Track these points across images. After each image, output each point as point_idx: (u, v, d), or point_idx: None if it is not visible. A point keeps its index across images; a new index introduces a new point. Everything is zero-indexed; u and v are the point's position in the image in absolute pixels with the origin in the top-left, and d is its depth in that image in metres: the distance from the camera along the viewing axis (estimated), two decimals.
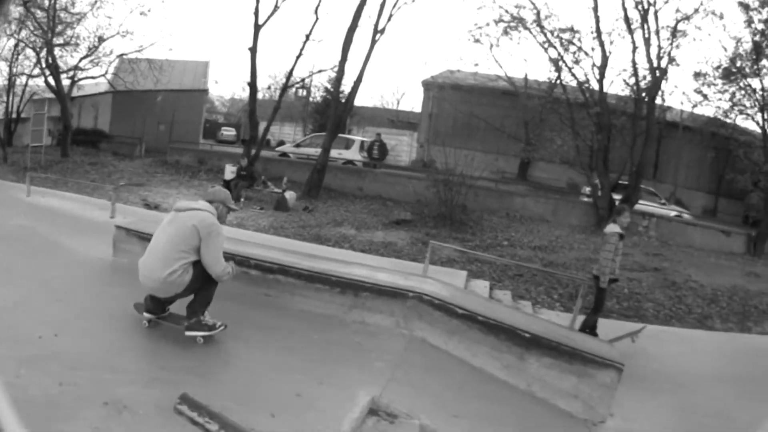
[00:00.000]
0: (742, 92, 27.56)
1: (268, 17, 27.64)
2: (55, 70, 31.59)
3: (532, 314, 12.09)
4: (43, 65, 31.73)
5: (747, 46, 26.42)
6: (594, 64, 26.12)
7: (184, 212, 6.87)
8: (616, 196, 24.90)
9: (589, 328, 11.26)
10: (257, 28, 27.20)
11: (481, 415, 6.83)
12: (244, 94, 49.12)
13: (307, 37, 28.21)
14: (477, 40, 29.88)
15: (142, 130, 37.60)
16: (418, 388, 6.79)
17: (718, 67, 27.99)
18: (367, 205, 24.34)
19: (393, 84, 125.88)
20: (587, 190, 27.06)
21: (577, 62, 26.70)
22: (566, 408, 7.58)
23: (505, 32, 28.73)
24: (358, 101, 33.54)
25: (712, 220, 29.32)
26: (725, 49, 27.89)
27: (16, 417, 2.79)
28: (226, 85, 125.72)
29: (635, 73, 25.26)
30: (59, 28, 31.41)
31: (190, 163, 30.23)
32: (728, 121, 29.01)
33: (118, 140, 35.96)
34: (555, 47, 27.00)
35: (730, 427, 8.54)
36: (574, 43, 26.58)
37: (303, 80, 36.11)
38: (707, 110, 29.58)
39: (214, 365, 6.48)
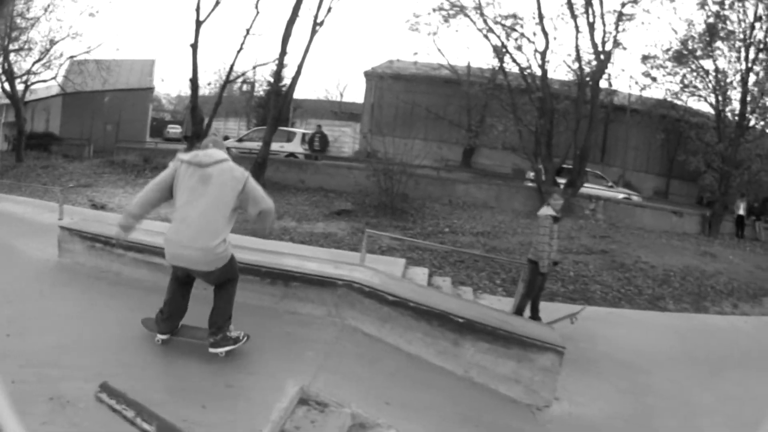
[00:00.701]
0: (694, 74, 27.82)
1: (209, 13, 27.22)
2: (10, 75, 31.54)
3: (467, 299, 12.27)
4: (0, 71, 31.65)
5: (700, 28, 26.94)
6: (536, 50, 25.89)
7: (213, 167, 6.19)
8: (561, 180, 25.07)
9: (528, 310, 11.36)
10: (198, 24, 26.84)
11: (415, 402, 6.78)
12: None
13: (248, 31, 27.95)
14: (415, 29, 29.78)
15: (90, 132, 36.97)
16: (349, 376, 6.75)
17: (668, 49, 28.19)
18: (309, 197, 23.96)
19: (336, 76, 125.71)
20: (531, 175, 26.74)
21: (519, 48, 26.51)
22: (508, 393, 7.58)
23: (445, 20, 28.41)
24: (302, 94, 33.76)
25: (664, 201, 29.31)
26: (675, 32, 28.50)
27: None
28: (173, 83, 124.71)
29: (578, 58, 25.36)
30: (15, 33, 31.38)
31: (135, 162, 29.57)
32: (679, 103, 29.30)
33: (69, 142, 35.34)
34: (496, 34, 26.66)
35: (687, 409, 8.61)
36: (516, 30, 26.31)
37: (244, 74, 35.67)
38: (657, 93, 29.88)
39: (149, 359, 6.34)
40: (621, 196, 27.25)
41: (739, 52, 25.83)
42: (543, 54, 25.32)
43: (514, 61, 26.54)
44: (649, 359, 10.44)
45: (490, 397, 7.49)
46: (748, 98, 25.80)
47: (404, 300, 7.98)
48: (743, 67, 25.70)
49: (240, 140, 32.23)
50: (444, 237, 18.98)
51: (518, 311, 11.21)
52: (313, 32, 25.66)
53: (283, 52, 26.33)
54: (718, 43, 26.34)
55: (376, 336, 7.95)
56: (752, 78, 25.96)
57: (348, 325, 7.99)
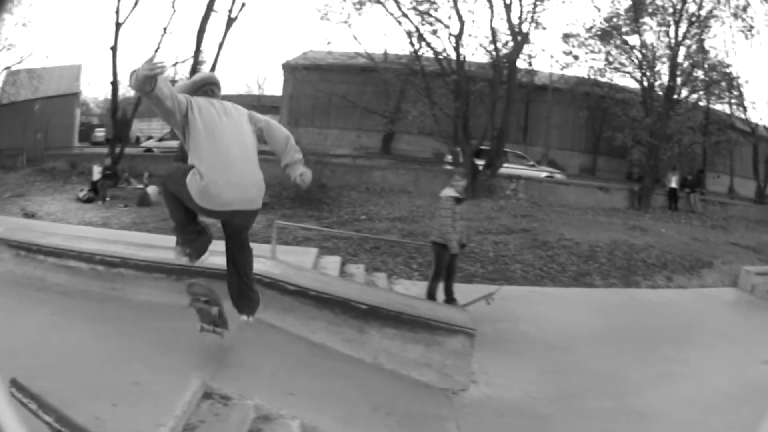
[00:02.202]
0: (619, 50, 27.85)
1: (128, 14, 27.05)
2: None
3: (373, 285, 12.66)
4: None
5: (625, 3, 26.89)
6: (451, 34, 25.65)
7: (224, 103, 6.22)
8: (480, 162, 24.85)
9: (442, 293, 11.43)
10: (118, 26, 26.86)
11: (321, 392, 6.88)
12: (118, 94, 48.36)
13: (165, 30, 27.59)
14: (326, 19, 29.44)
15: (23, 141, 35.59)
16: (251, 368, 6.91)
17: (591, 27, 28.11)
18: None
19: (257, 69, 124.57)
20: (449, 158, 26.86)
21: (434, 33, 26.25)
22: (420, 378, 7.79)
23: (357, 8, 28.13)
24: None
25: (591, 178, 29.56)
26: (599, 10, 27.97)
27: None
28: (100, 86, 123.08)
29: (494, 40, 25.37)
30: None
31: (63, 168, 29.46)
32: (603, 80, 29.21)
33: (6, 153, 34.18)
34: (410, 20, 26.40)
35: (620, 388, 8.71)
36: (431, 15, 26.04)
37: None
38: (580, 71, 29.90)
39: (63, 357, 6.30)
40: (543, 174, 27.10)
41: (668, 26, 25.99)
42: (458, 37, 25.24)
43: (428, 45, 26.38)
44: (575, 337, 10.49)
45: (402, 383, 7.64)
46: (678, 72, 25.79)
47: (305, 289, 8.29)
48: (673, 40, 25.93)
49: (161, 140, 32.42)
50: (360, 224, 19.14)
51: (429, 295, 11.26)
52: (228, 27, 25.86)
53: (198, 49, 26.50)
54: (646, 19, 26.55)
55: (280, 326, 8.11)
56: (683, 51, 26.00)
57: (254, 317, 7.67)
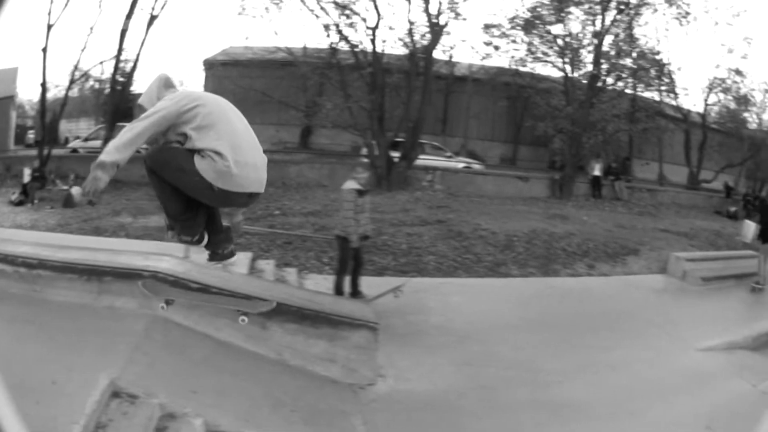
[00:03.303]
0: (542, 40, 28.03)
1: (59, 15, 26.25)
2: None
3: (275, 281, 12.56)
4: None
5: None
6: (368, 27, 25.62)
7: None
8: (396, 154, 24.95)
9: (349, 287, 11.78)
10: (49, 28, 26.12)
11: (224, 389, 7.00)
12: (50, 95, 47.82)
13: (91, 29, 27.21)
14: (243, 14, 29.27)
15: None
16: (157, 366, 6.96)
17: (514, 17, 28.17)
18: (148, 191, 22.93)
19: (180, 67, 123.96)
20: (365, 151, 26.39)
21: (350, 26, 26.21)
22: (326, 374, 7.98)
23: (275, 2, 28.20)
24: (146, 87, 33.76)
25: (511, 168, 29.78)
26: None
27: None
28: (35, 88, 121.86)
29: (411, 32, 25.40)
30: None
31: None
32: (525, 69, 29.33)
33: None
34: (328, 13, 26.39)
35: (537, 378, 8.83)
36: (348, 7, 26.13)
37: (86, 73, 33.60)
38: (501, 61, 29.78)
39: None
40: (461, 165, 27.22)
41: (595, 15, 26.32)
42: (374, 30, 25.31)
43: (345, 39, 26.43)
44: (489, 328, 10.61)
45: (307, 379, 7.82)
46: (603, 60, 26.21)
47: (207, 287, 8.24)
48: (599, 29, 26.23)
49: (86, 140, 32.06)
50: (274, 219, 18.84)
51: (337, 289, 11.65)
52: (149, 25, 25.80)
53: (120, 48, 26.71)
54: (571, 8, 26.80)
55: (186, 325, 8.17)
56: (608, 39, 26.37)
57: (158, 315, 8.03)
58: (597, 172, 25.45)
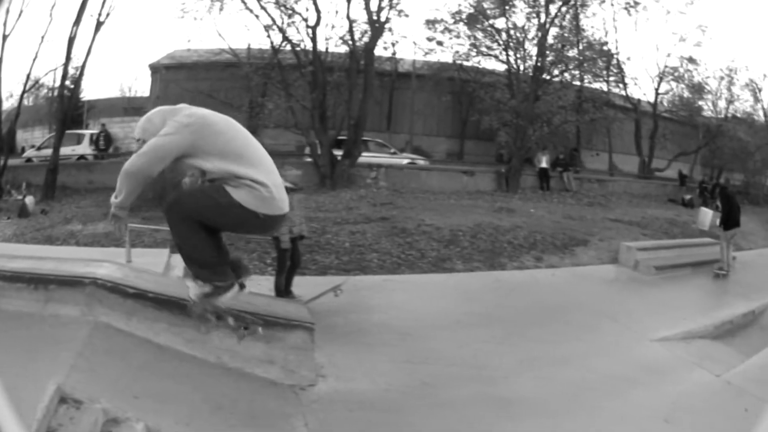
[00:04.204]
0: (485, 34, 28.40)
1: (14, 25, 26.27)
2: None
3: None
4: None
5: None
6: (308, 25, 25.91)
7: None
8: (339, 152, 25.21)
9: (282, 289, 11.62)
10: (4, 38, 26.14)
11: (164, 394, 6.82)
12: (6, 105, 47.87)
13: (42, 38, 27.09)
14: (182, 17, 29.30)
15: None
16: (99, 372, 6.71)
17: (457, 12, 28.47)
18: (96, 198, 23.29)
19: (130, 72, 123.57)
20: (308, 150, 26.84)
21: (290, 25, 26.47)
22: (266, 375, 7.75)
23: (215, 4, 28.34)
24: (96, 94, 34.75)
25: (458, 163, 30.20)
26: None
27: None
28: None
29: (351, 29, 25.68)
30: None
31: None
32: (468, 64, 29.93)
33: None
34: (269, 13, 26.61)
35: (483, 375, 8.58)
36: (288, 7, 26.36)
37: (37, 82, 33.59)
38: (444, 56, 30.35)
39: None
40: (405, 161, 27.48)
41: (539, 8, 26.60)
42: (314, 28, 25.59)
43: (286, 38, 26.71)
44: (432, 324, 10.36)
45: (247, 381, 7.58)
46: (548, 52, 26.51)
47: (144, 292, 8.12)
48: (543, 21, 26.53)
49: (39, 148, 31.75)
50: None
51: (277, 289, 11.45)
52: (96, 32, 25.59)
53: (69, 55, 26.27)
54: (515, 1, 27.03)
55: (126, 330, 7.89)
56: (554, 31, 26.77)
57: (100, 322, 7.78)
58: (544, 164, 25.76)
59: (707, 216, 19.45)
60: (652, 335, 10.52)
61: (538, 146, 25.99)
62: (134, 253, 12.45)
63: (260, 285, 11.53)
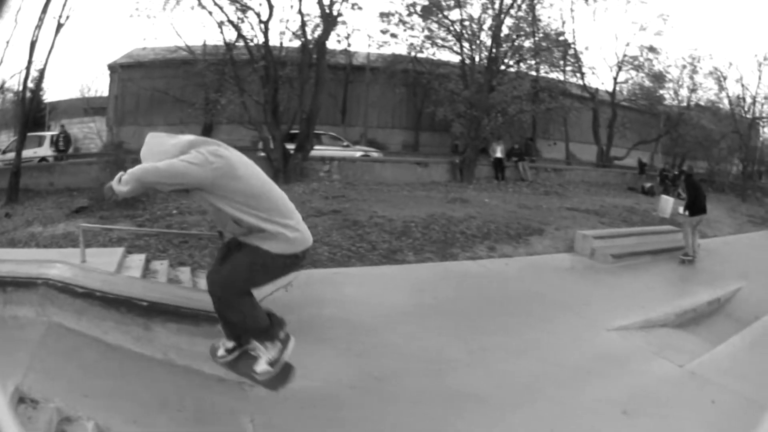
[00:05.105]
0: (439, 26, 28.66)
1: None
2: None
3: (156, 281, 12.42)
4: None
5: None
6: (261, 20, 25.97)
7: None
8: (291, 146, 25.28)
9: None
10: None
11: (114, 392, 6.84)
12: None
13: (8, 43, 26.33)
14: (135, 16, 28.77)
15: None
16: (53, 372, 6.82)
17: (411, 4, 28.84)
18: (57, 199, 23.48)
19: (90, 72, 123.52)
20: (261, 144, 26.52)
21: (242, 21, 26.57)
22: (213, 372, 7.52)
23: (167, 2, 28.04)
24: (58, 96, 35.88)
25: (414, 154, 30.49)
26: None
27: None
28: None
29: (303, 23, 25.88)
30: None
31: None
32: (423, 56, 30.27)
33: None
34: (222, 9, 26.59)
35: (430, 367, 8.54)
36: (241, 3, 26.51)
37: (2, 86, 33.23)
38: (399, 48, 30.73)
39: None
40: (359, 154, 27.59)
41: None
42: (266, 23, 25.74)
43: (239, 33, 26.87)
44: (383, 317, 10.25)
45: (195, 378, 7.57)
46: (503, 42, 26.76)
47: (91, 291, 8.10)
48: (498, 11, 26.71)
49: (4, 152, 30.98)
50: (172, 219, 18.72)
51: None
52: (57, 33, 25.44)
53: (31, 59, 25.94)
54: None
55: (77, 330, 7.96)
56: (509, 21, 26.95)
57: (54, 322, 7.93)
58: (499, 154, 25.92)
59: (668, 203, 19.50)
60: (609, 324, 10.35)
61: (493, 136, 26.10)
62: (88, 253, 12.12)
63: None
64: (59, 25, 25.11)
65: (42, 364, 6.85)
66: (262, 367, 5.91)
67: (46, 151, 30.39)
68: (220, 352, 6.13)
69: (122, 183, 5.36)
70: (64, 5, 24.83)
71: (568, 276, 14.02)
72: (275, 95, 25.23)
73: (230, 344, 6.11)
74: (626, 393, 7.74)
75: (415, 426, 7.25)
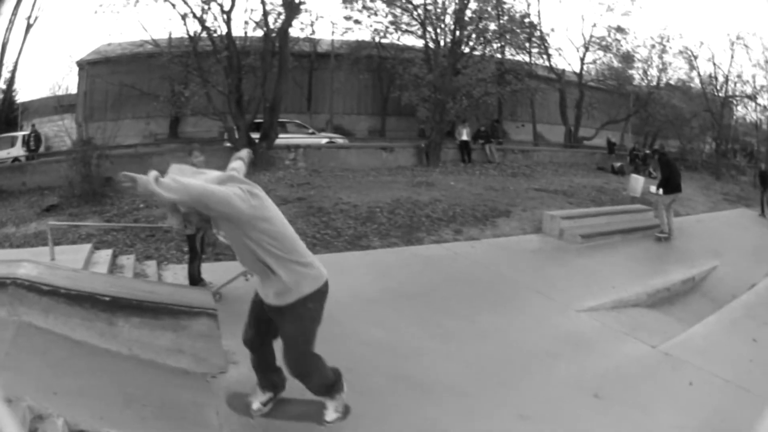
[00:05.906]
0: (401, 10, 29.11)
1: None
2: None
3: (118, 275, 12.06)
4: None
5: None
6: (223, 10, 25.84)
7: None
8: (257, 135, 25.27)
9: (196, 276, 11.33)
10: None
11: (81, 389, 6.50)
12: None
13: None
14: (100, 12, 29.02)
15: None
16: (23, 370, 6.52)
17: None
18: (29, 199, 23.33)
19: (61, 71, 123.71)
20: (226, 135, 26.76)
21: (204, 12, 26.27)
22: (177, 365, 7.58)
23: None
24: (30, 95, 37.06)
25: (381, 139, 30.86)
26: None
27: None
28: None
29: (265, 12, 25.96)
30: None
31: None
32: (387, 41, 30.77)
33: None
34: (185, 2, 26.28)
35: (396, 355, 8.34)
36: None
37: None
38: (363, 34, 31.21)
39: None
40: (324, 141, 27.80)
41: None
42: (228, 13, 25.62)
43: (202, 25, 26.51)
44: (347, 304, 9.61)
45: (159, 372, 7.36)
46: (467, 26, 26.77)
47: (55, 288, 7.78)
48: None
49: None
50: (139, 213, 18.68)
51: (191, 278, 11.21)
52: (26, 33, 27.11)
53: (2, 60, 27.41)
54: None
55: (45, 328, 7.63)
56: (473, 5, 27.00)
57: (24, 321, 7.56)
58: (465, 137, 26.52)
59: (638, 182, 19.47)
60: (579, 306, 10.18)
61: (459, 119, 26.21)
62: (58, 251, 11.89)
63: (176, 274, 12.16)
64: (29, 26, 26.36)
65: (14, 363, 6.64)
66: (332, 416, 5.94)
67: (18, 151, 30.71)
68: (255, 405, 6.07)
69: (165, 188, 4.92)
70: (34, 5, 25.66)
71: (536, 257, 13.75)
72: (239, 85, 25.23)
73: (265, 397, 6.11)
74: (598, 375, 7.54)
75: (382, 415, 6.94)
